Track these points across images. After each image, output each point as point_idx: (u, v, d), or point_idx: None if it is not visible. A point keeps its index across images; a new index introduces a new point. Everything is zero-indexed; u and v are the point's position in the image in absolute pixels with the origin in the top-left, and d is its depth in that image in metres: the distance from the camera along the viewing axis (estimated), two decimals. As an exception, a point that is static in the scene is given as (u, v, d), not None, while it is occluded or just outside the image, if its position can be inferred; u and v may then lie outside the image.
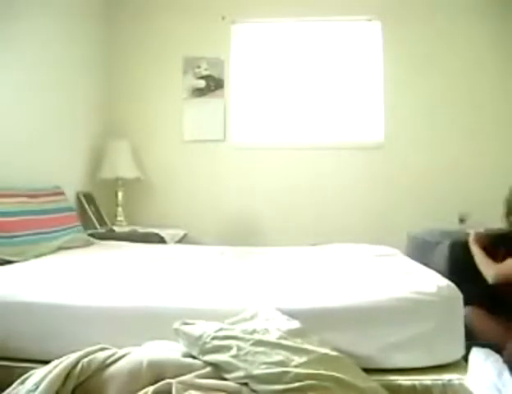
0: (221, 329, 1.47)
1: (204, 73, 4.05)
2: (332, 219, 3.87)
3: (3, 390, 1.36)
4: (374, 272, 2.13)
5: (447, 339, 1.67)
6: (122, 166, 3.72)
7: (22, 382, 1.36)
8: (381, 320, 1.66)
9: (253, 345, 1.42)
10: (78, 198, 3.54)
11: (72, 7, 3.49)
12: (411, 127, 3.92)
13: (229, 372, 1.35)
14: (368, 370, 1.54)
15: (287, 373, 1.32)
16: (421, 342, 1.64)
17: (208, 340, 1.41)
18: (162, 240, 3.41)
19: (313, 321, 1.61)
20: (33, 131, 3.00)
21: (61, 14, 3.33)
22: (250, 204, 3.99)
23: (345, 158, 3.95)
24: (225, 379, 1.35)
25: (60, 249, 2.69)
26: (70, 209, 3.08)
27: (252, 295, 1.79)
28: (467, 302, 1.80)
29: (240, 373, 1.33)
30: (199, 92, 4.06)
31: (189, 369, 1.37)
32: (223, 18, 4.02)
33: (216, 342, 1.41)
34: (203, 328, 1.46)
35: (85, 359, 1.38)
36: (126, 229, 3.61)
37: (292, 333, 1.50)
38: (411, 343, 1.64)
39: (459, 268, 2.24)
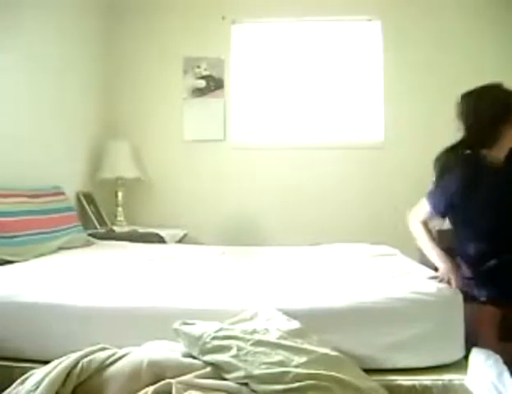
0: (221, 329, 1.47)
1: (204, 73, 4.05)
2: (332, 219, 3.87)
3: (3, 390, 1.36)
4: (374, 272, 2.13)
5: (447, 340, 1.67)
6: (122, 166, 3.72)
7: (22, 382, 1.36)
8: (381, 320, 1.66)
9: (253, 345, 1.42)
10: (78, 198, 3.54)
11: (72, 7, 3.49)
12: (411, 127, 3.91)
13: (229, 372, 1.35)
14: (368, 370, 1.54)
15: (287, 373, 1.33)
16: (421, 343, 1.64)
17: (208, 340, 1.42)
18: (162, 240, 3.41)
19: (312, 321, 1.61)
20: (33, 131, 3.00)
21: (60, 14, 3.33)
22: (250, 204, 3.99)
23: (345, 157, 3.94)
24: (225, 379, 1.35)
25: (60, 249, 2.69)
26: (70, 209, 3.08)
27: (252, 295, 1.79)
28: None
29: (240, 373, 1.33)
30: (199, 92, 4.06)
31: (189, 369, 1.37)
32: (223, 18, 4.02)
33: (216, 342, 1.41)
34: (203, 328, 1.46)
35: (85, 359, 1.38)
36: (126, 229, 3.61)
37: (292, 333, 1.50)
38: (411, 344, 1.64)
39: None
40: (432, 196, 2.03)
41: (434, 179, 2.09)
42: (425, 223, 2.06)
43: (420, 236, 2.05)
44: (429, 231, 2.05)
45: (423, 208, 2.05)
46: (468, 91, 2.05)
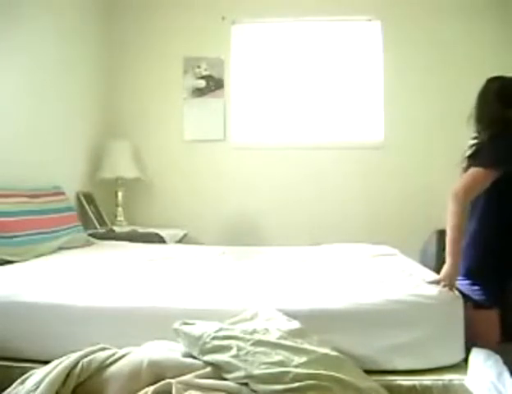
0: (221, 329, 1.47)
1: (204, 73, 4.05)
2: (332, 219, 3.87)
3: (3, 390, 1.36)
4: (374, 273, 2.13)
5: (447, 343, 1.67)
6: (122, 166, 3.72)
7: (22, 382, 1.36)
8: (381, 322, 1.66)
9: (253, 345, 1.42)
10: (78, 198, 3.54)
11: (72, 8, 3.49)
12: (411, 127, 3.91)
13: (229, 372, 1.35)
14: (368, 371, 1.54)
15: (287, 373, 1.33)
16: (421, 346, 1.64)
17: (208, 340, 1.42)
18: (162, 240, 3.41)
19: (312, 322, 1.61)
20: (33, 131, 3.00)
21: (61, 14, 3.32)
22: (250, 204, 3.99)
23: (344, 157, 3.94)
24: (225, 379, 1.35)
25: (60, 249, 2.70)
26: (70, 209, 3.08)
27: (252, 295, 1.79)
28: None
29: (240, 373, 1.33)
30: (199, 92, 4.06)
31: (189, 369, 1.37)
32: (223, 18, 4.01)
33: (216, 342, 1.41)
34: (203, 328, 1.46)
35: (85, 359, 1.38)
36: (126, 229, 3.60)
37: (292, 333, 1.50)
38: (411, 346, 1.63)
39: None
40: (499, 157, 1.88)
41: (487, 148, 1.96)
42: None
43: (457, 226, 1.86)
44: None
45: (483, 178, 1.87)
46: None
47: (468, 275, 1.95)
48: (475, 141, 2.04)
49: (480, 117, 2.05)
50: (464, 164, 2.04)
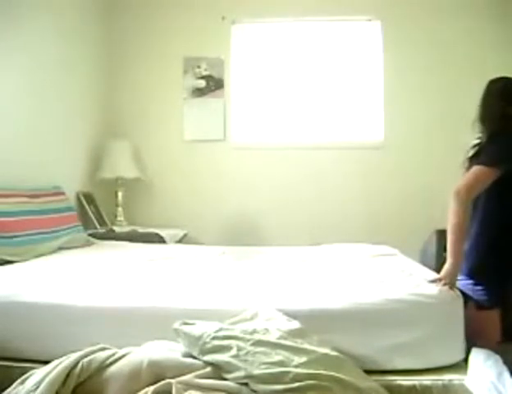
0: (221, 329, 1.47)
1: (204, 73, 4.05)
2: (332, 219, 3.87)
3: (3, 390, 1.36)
4: (374, 272, 2.13)
5: (447, 343, 1.67)
6: (122, 166, 3.72)
7: (22, 382, 1.36)
8: (381, 322, 1.66)
9: (253, 345, 1.42)
10: (78, 198, 3.54)
11: (72, 7, 3.49)
12: (411, 127, 3.91)
13: (229, 372, 1.35)
14: (368, 371, 1.54)
15: (287, 373, 1.33)
16: (421, 346, 1.64)
17: (208, 340, 1.42)
18: (162, 240, 3.41)
19: (312, 322, 1.61)
20: (33, 131, 3.00)
21: (61, 14, 3.32)
22: (250, 204, 3.99)
23: (344, 157, 3.94)
24: (225, 379, 1.35)
25: (60, 249, 2.70)
26: (70, 209, 3.08)
27: (252, 295, 1.79)
28: None
29: (240, 373, 1.33)
30: (199, 92, 4.06)
31: (189, 369, 1.37)
32: (223, 18, 4.01)
33: (216, 342, 1.41)
34: (203, 328, 1.46)
35: (85, 359, 1.38)
36: (126, 229, 3.60)
37: (292, 333, 1.50)
38: (411, 346, 1.63)
39: None
40: (501, 156, 1.87)
41: (489, 148, 1.95)
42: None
43: (458, 225, 1.85)
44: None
45: (485, 176, 1.86)
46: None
47: (470, 275, 1.95)
48: (477, 141, 2.05)
49: (483, 118, 2.05)
50: (467, 164, 2.04)
